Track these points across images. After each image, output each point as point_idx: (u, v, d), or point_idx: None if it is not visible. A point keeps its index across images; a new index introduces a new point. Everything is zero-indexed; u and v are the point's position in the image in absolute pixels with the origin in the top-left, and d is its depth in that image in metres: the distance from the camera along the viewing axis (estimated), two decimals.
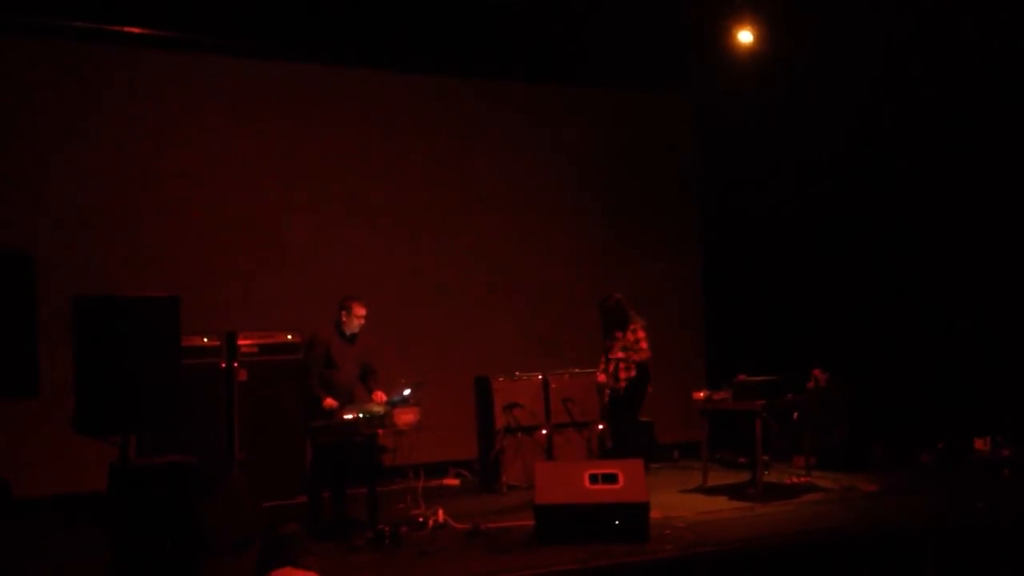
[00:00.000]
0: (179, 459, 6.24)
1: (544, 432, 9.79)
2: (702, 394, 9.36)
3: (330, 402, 7.73)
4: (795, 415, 9.42)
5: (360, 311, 8.03)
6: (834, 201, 10.83)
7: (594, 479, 7.37)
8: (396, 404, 7.84)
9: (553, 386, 9.86)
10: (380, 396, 7.96)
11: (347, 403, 7.81)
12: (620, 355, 8.96)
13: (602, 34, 10.16)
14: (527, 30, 10.06)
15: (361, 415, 7.67)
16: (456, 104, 11.07)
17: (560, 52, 10.58)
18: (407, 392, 7.92)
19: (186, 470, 6.19)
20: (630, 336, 8.97)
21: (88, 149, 9.37)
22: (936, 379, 9.98)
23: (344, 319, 8.03)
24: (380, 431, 7.81)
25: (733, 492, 8.90)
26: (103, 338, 5.87)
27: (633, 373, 8.96)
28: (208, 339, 8.78)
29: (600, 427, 9.82)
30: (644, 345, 8.97)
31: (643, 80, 11.56)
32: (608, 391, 9.13)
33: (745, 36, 10.18)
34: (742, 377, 9.05)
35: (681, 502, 8.55)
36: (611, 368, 9.05)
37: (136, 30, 9.38)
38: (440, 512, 7.91)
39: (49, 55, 9.25)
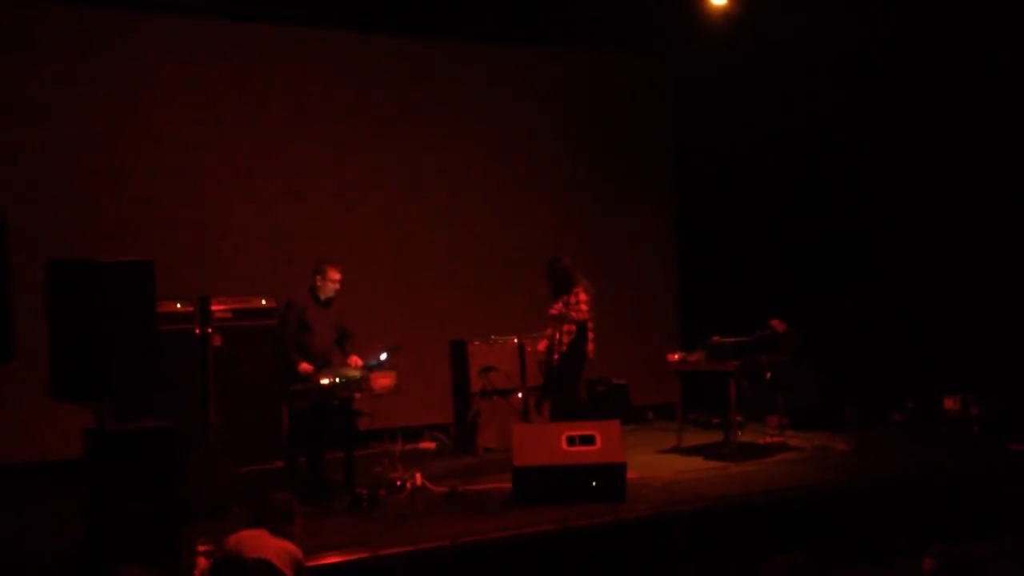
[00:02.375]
0: (155, 424, 6.22)
1: (520, 395, 9.82)
2: (676, 356, 9.41)
3: (305, 367, 7.73)
4: (768, 375, 9.49)
5: (335, 276, 8.02)
6: (806, 162, 10.87)
7: (571, 441, 7.39)
8: (372, 368, 7.85)
9: (528, 349, 9.85)
10: (356, 360, 7.96)
11: (323, 367, 7.81)
12: (562, 327, 8.68)
13: None
14: None
15: (337, 379, 7.66)
16: (427, 67, 10.98)
17: (531, 13, 10.51)
18: (383, 356, 7.92)
19: (163, 435, 6.17)
20: (571, 299, 8.71)
21: (61, 113, 9.24)
22: (907, 338, 10.09)
23: (319, 284, 8.01)
24: (357, 395, 7.79)
25: (708, 452, 8.98)
26: (77, 303, 5.82)
27: (573, 336, 8.68)
28: (181, 305, 8.71)
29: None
30: (584, 307, 8.66)
31: (616, 42, 11.52)
32: (556, 355, 8.81)
33: None
34: (716, 338, 9.10)
35: (657, 462, 8.62)
36: (556, 335, 8.80)
37: None
38: (417, 475, 7.92)
39: (22, 19, 9.10)
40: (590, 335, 8.78)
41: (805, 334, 9.81)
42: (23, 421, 8.48)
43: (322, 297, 8.04)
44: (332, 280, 8.01)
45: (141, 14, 9.56)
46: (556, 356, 8.81)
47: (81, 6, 9.32)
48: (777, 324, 9.84)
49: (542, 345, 8.98)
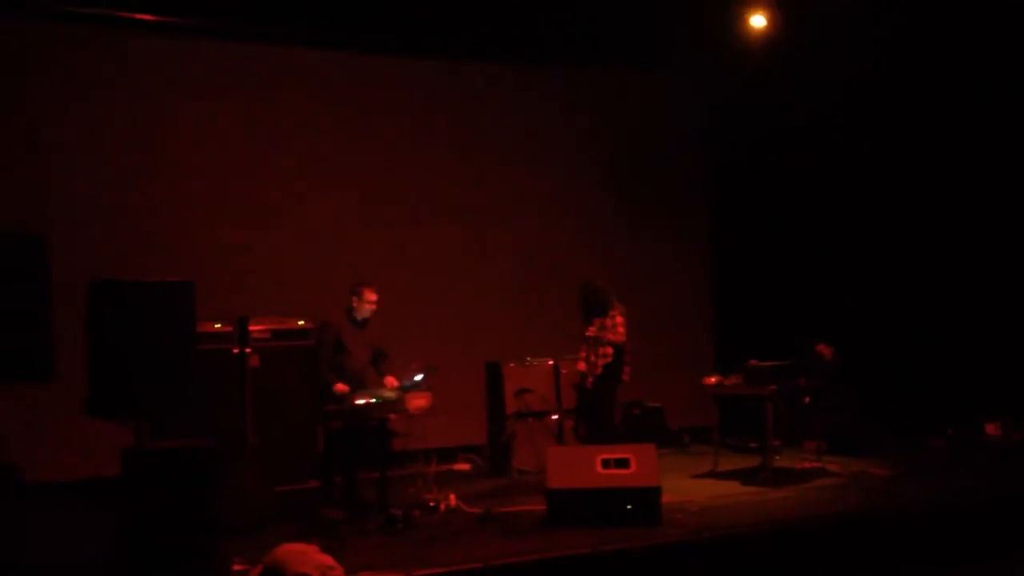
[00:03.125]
0: (193, 443, 6.26)
1: (555, 417, 9.79)
2: (713, 379, 9.34)
3: (341, 387, 7.77)
4: (806, 400, 9.41)
5: (371, 296, 8.08)
6: (845, 184, 10.80)
7: (606, 464, 7.39)
8: (408, 389, 7.89)
9: (564, 371, 9.84)
10: (392, 381, 8.00)
11: (358, 388, 7.85)
12: (598, 349, 8.71)
13: (611, 16, 10.12)
14: (536, 12, 10.01)
15: (373, 400, 7.71)
16: (465, 89, 11.06)
17: (570, 35, 10.53)
18: (419, 377, 7.95)
19: (200, 454, 6.21)
20: (608, 322, 8.74)
21: (100, 132, 9.42)
22: (947, 363, 9.96)
23: (355, 304, 8.08)
24: (392, 416, 7.85)
25: (744, 477, 8.91)
26: (117, 322, 5.87)
27: (610, 360, 8.71)
28: (220, 325, 8.79)
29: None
30: (621, 330, 8.72)
31: (653, 63, 11.51)
32: (590, 378, 8.84)
33: (758, 20, 10.14)
34: (753, 362, 9.03)
35: (693, 487, 8.57)
36: (591, 357, 8.81)
37: (145, 16, 9.44)
38: (452, 496, 7.94)
39: (62, 37, 9.30)
40: (627, 358, 8.76)
41: (846, 358, 9.75)
42: (61, 439, 8.56)
43: (358, 318, 8.09)
44: (368, 301, 8.07)
45: (180, 40, 9.71)
46: (590, 379, 8.80)
47: (124, 29, 9.47)
48: (824, 349, 9.77)
49: (582, 365, 8.96)
